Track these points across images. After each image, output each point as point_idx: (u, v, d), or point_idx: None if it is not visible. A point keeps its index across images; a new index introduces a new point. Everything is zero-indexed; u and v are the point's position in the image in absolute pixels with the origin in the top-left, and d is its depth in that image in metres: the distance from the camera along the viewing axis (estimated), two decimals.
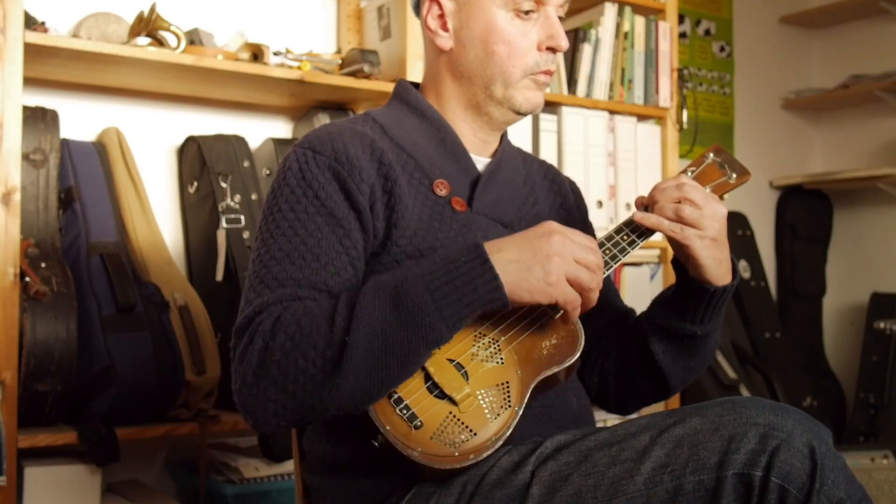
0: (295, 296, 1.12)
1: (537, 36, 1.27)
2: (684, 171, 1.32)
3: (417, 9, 1.34)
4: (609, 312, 1.41)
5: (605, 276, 1.19)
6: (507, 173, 1.34)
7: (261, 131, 2.39)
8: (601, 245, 1.24)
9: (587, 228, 1.46)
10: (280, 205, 1.18)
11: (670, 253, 1.62)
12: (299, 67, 2.15)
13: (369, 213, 1.19)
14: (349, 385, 1.05)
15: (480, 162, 1.33)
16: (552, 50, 1.28)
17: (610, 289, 1.44)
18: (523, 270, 1.09)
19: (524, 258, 1.10)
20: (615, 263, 1.23)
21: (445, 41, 1.29)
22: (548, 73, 1.30)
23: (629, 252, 1.25)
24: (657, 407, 2.67)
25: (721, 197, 1.30)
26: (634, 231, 1.26)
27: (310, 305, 1.09)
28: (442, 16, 1.29)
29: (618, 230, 1.26)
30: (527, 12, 1.26)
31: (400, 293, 1.06)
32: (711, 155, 1.33)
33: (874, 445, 2.97)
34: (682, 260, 1.27)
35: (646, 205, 1.27)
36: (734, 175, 1.31)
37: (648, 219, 1.24)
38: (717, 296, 1.27)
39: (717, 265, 1.24)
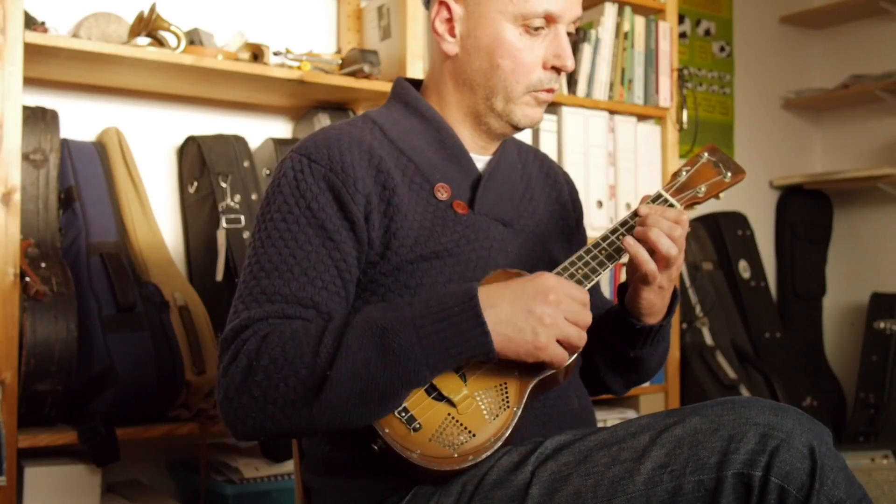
0: (282, 313, 1.13)
1: (544, 53, 1.25)
2: (679, 171, 1.32)
3: (428, 3, 1.32)
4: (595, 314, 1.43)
5: (600, 275, 1.21)
6: (505, 171, 1.34)
7: (261, 131, 2.39)
8: (597, 245, 1.24)
9: (580, 225, 1.46)
10: (272, 213, 1.19)
11: None
12: (299, 67, 2.15)
13: (363, 223, 1.18)
14: (326, 416, 1.07)
15: (481, 161, 1.33)
16: (557, 69, 1.27)
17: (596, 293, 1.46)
18: (514, 331, 1.09)
19: (516, 318, 1.09)
20: (611, 263, 1.23)
21: (451, 47, 1.28)
22: (550, 91, 1.28)
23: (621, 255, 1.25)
24: (657, 406, 2.67)
25: (717, 196, 1.31)
26: (630, 231, 1.26)
27: (297, 328, 1.10)
28: (450, 20, 1.27)
29: (613, 230, 1.26)
30: (536, 29, 1.24)
31: (388, 335, 1.06)
32: (706, 154, 1.33)
33: (874, 445, 2.97)
34: (630, 288, 1.28)
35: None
36: (729, 174, 1.31)
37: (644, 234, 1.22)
38: (645, 332, 1.29)
39: (649, 307, 1.26)
